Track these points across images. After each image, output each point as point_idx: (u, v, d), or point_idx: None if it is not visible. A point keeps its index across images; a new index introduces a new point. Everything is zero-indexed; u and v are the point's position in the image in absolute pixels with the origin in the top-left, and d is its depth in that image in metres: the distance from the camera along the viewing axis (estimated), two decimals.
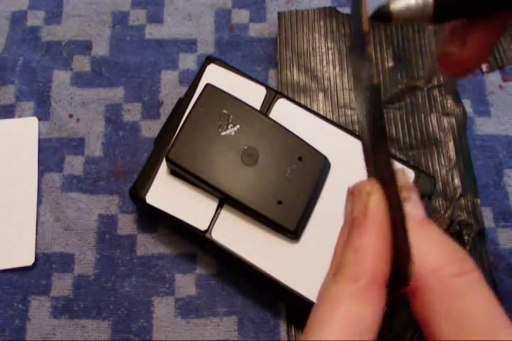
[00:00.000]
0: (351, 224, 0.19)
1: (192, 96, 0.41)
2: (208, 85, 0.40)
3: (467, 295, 0.17)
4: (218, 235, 0.38)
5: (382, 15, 0.22)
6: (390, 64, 0.48)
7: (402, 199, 0.18)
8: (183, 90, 0.43)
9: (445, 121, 0.46)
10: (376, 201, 0.19)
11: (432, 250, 0.18)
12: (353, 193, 0.21)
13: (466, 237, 0.42)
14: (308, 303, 0.36)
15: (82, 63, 0.48)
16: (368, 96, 0.19)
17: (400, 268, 0.18)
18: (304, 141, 0.39)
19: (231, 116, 0.39)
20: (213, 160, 0.38)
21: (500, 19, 0.24)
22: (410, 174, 0.40)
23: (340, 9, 0.50)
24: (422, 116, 0.46)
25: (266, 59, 0.49)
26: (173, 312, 0.41)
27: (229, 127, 0.39)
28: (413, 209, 0.19)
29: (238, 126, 0.39)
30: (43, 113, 0.46)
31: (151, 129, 0.46)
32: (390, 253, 0.18)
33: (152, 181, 0.39)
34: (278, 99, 0.42)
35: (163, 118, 0.45)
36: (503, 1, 0.22)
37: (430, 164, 0.45)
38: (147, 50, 0.49)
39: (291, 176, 0.38)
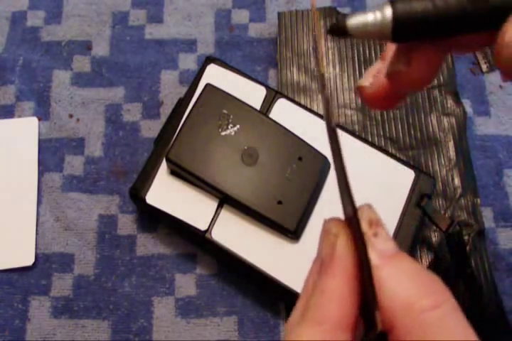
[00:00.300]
0: (321, 264, 0.19)
1: (192, 96, 0.41)
2: (207, 85, 0.40)
3: (442, 329, 0.17)
4: (218, 235, 0.38)
5: (339, 30, 0.21)
6: None
7: (369, 239, 0.18)
8: (183, 90, 0.43)
9: (445, 121, 0.46)
10: (343, 245, 0.19)
11: (404, 285, 0.18)
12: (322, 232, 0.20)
13: (466, 237, 0.42)
14: None
15: (82, 63, 0.48)
16: (328, 136, 0.19)
17: (369, 313, 0.18)
18: (304, 141, 0.39)
19: (231, 116, 0.39)
20: (213, 160, 0.38)
21: (446, 42, 0.23)
22: (410, 174, 0.40)
23: (340, 9, 0.50)
24: (422, 116, 0.46)
25: (266, 59, 0.49)
26: (173, 312, 0.41)
27: (229, 127, 0.39)
28: (383, 244, 0.19)
29: (238, 126, 0.39)
30: (43, 113, 0.46)
31: (151, 129, 0.46)
32: (359, 297, 0.18)
33: (152, 181, 0.39)
34: (278, 99, 0.42)
35: (163, 118, 0.45)
36: (467, 26, 0.22)
37: (430, 164, 0.45)
38: (147, 50, 0.49)
39: (291, 176, 0.38)
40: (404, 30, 0.21)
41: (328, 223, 0.20)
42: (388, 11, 0.21)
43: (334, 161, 0.19)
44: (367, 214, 0.19)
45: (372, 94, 0.25)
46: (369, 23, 0.21)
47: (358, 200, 0.19)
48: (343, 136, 0.41)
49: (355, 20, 0.21)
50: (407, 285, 0.18)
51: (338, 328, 0.18)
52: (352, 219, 0.18)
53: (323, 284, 0.19)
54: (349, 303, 0.18)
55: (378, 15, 0.21)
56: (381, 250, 0.18)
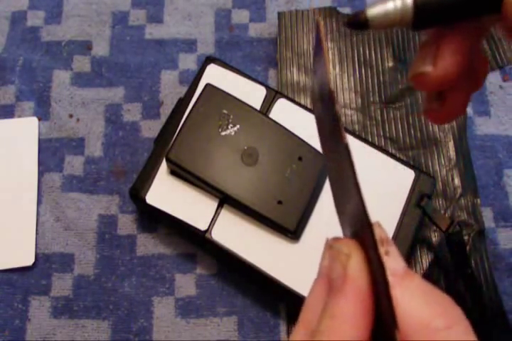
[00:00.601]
0: (328, 286, 0.19)
1: (192, 96, 0.41)
2: (207, 85, 0.40)
3: None
4: (218, 235, 0.38)
5: (359, 22, 0.21)
6: (390, 64, 0.48)
7: (383, 259, 0.17)
8: (183, 90, 0.43)
9: None
10: (356, 265, 0.18)
11: (418, 304, 0.18)
12: (330, 251, 0.20)
13: (466, 237, 0.42)
14: None
15: (82, 63, 0.48)
16: (340, 154, 0.19)
17: (385, 333, 0.17)
18: (303, 141, 0.39)
19: (231, 116, 0.39)
20: (213, 160, 0.38)
21: (476, 25, 0.23)
22: (410, 174, 0.40)
23: (340, 9, 0.50)
24: (422, 116, 0.46)
25: (266, 59, 0.49)
26: (173, 312, 0.41)
27: (229, 127, 0.39)
28: (394, 262, 0.18)
29: (238, 126, 0.39)
30: (43, 113, 0.46)
31: (151, 129, 0.46)
32: (371, 320, 0.18)
33: (152, 181, 0.39)
34: (278, 99, 0.42)
35: (163, 119, 0.45)
36: (486, 5, 0.21)
37: (430, 164, 0.45)
38: (147, 50, 0.49)
39: (291, 176, 0.38)
40: (426, 15, 0.21)
41: (337, 242, 0.19)
42: None
43: (337, 181, 0.18)
44: (378, 233, 0.18)
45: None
46: (389, 11, 0.21)
47: None
48: None
49: (375, 11, 0.21)
50: (421, 305, 0.18)
51: None
52: (367, 238, 0.18)
53: (334, 307, 0.18)
54: (362, 326, 0.18)
55: (398, 2, 0.21)
56: (393, 269, 0.18)
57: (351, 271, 0.18)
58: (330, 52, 0.48)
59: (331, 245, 0.20)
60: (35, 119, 0.46)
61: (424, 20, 0.21)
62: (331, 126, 0.20)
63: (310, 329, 0.19)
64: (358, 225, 0.18)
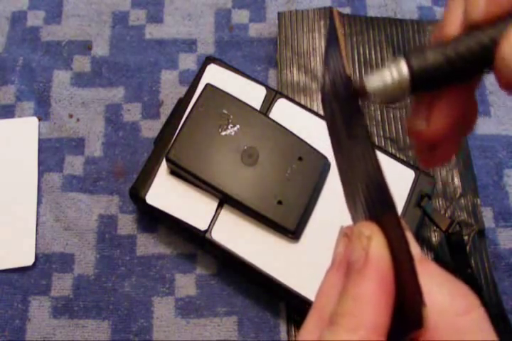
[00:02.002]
0: (348, 270, 0.19)
1: (192, 96, 0.41)
2: (207, 85, 0.40)
3: (473, 335, 0.17)
4: (218, 235, 0.38)
5: (359, 94, 0.22)
6: None
7: (408, 242, 0.17)
8: (183, 90, 0.43)
9: None
10: (378, 246, 0.18)
11: (436, 289, 0.18)
12: (348, 236, 0.20)
13: (466, 237, 0.42)
14: (308, 303, 0.36)
15: (82, 63, 0.48)
16: (357, 141, 0.19)
17: (409, 313, 0.17)
18: (304, 141, 0.39)
19: (231, 116, 0.39)
20: (213, 160, 0.38)
21: (467, 85, 0.23)
22: (410, 174, 0.40)
23: (340, 9, 0.50)
24: None
25: (266, 59, 0.49)
26: (173, 312, 0.41)
27: (229, 127, 0.39)
28: (411, 248, 0.18)
29: (238, 126, 0.39)
30: (43, 113, 0.46)
31: (151, 129, 0.46)
32: (393, 300, 0.18)
33: (152, 181, 0.39)
34: (278, 99, 0.42)
35: (163, 119, 0.45)
36: (481, 67, 0.22)
37: None
38: (147, 50, 0.49)
39: (291, 176, 0.38)
40: (422, 83, 0.22)
41: (357, 227, 0.19)
42: (404, 69, 0.22)
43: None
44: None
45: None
46: (387, 83, 0.22)
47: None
48: None
49: (373, 83, 0.22)
50: (439, 290, 0.18)
51: (374, 333, 0.17)
52: (387, 219, 0.18)
53: (355, 290, 0.18)
54: (384, 307, 0.18)
55: (395, 73, 0.22)
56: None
57: (373, 253, 0.18)
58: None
59: (345, 233, 0.20)
60: (35, 119, 0.46)
61: (422, 86, 0.22)
62: (347, 115, 0.20)
63: (325, 314, 0.19)
64: (378, 208, 0.19)
